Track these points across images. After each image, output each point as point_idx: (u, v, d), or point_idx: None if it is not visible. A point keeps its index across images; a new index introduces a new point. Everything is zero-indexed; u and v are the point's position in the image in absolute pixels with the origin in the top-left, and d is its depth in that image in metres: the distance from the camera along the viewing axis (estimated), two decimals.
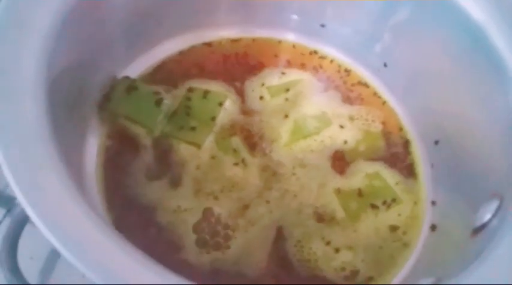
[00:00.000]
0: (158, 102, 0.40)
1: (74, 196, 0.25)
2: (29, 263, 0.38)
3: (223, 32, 0.46)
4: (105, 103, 0.39)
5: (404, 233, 0.39)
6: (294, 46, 0.47)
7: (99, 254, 0.23)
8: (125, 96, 0.40)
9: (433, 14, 0.39)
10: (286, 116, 0.43)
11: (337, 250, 0.37)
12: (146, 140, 0.39)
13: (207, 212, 0.37)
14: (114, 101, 0.39)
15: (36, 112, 0.27)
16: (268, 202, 0.39)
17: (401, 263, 0.38)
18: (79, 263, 0.23)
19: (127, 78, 0.41)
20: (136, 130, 0.40)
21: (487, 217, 0.32)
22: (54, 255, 0.39)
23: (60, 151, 0.27)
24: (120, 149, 0.39)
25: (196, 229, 0.37)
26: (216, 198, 0.38)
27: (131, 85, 0.40)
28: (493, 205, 0.32)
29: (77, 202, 0.25)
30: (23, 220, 0.33)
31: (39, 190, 0.24)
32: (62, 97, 0.32)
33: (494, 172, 0.34)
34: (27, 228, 0.33)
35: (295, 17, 0.46)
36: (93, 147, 0.38)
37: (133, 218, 0.37)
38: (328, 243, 0.38)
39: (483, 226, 0.32)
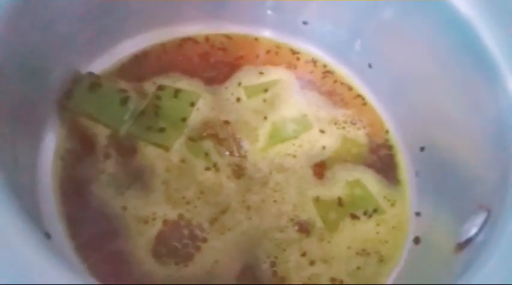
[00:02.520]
0: (124, 101, 0.37)
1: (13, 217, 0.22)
2: None
3: (197, 28, 0.43)
4: (66, 100, 0.36)
5: (386, 245, 0.37)
6: (273, 44, 0.44)
7: None
8: (88, 94, 0.37)
9: (421, 11, 0.36)
10: (265, 118, 0.40)
11: (312, 262, 0.35)
12: (110, 141, 0.37)
13: (181, 218, 0.35)
14: (76, 98, 0.36)
15: None
16: (246, 207, 0.36)
17: (381, 278, 0.36)
18: None
19: (91, 73, 0.38)
20: (99, 131, 0.37)
21: (473, 230, 0.30)
22: None
23: (2, 156, 0.24)
24: (81, 152, 0.36)
25: (170, 236, 0.34)
26: (189, 203, 0.35)
27: (95, 82, 0.37)
28: (480, 218, 0.30)
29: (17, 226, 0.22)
30: None
31: None
32: (9, 91, 0.29)
33: (483, 183, 0.32)
34: None
35: (274, 13, 0.43)
36: (49, 150, 0.35)
37: (94, 229, 0.34)
38: (303, 254, 0.35)
39: (469, 240, 0.30)
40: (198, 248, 0.34)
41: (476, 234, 0.30)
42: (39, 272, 0.21)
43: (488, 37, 0.32)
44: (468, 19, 0.33)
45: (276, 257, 0.35)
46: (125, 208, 0.34)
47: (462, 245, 0.30)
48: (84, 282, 0.21)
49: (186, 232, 0.34)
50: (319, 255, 0.35)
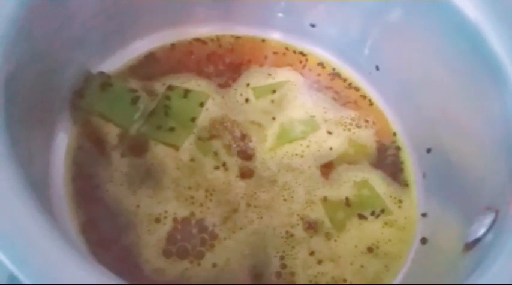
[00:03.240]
0: (135, 100, 0.38)
1: (30, 210, 0.22)
2: None
3: (206, 29, 0.43)
4: (78, 100, 0.37)
5: (393, 246, 0.37)
6: (281, 46, 0.45)
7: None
8: (99, 93, 0.37)
9: (428, 14, 0.36)
10: (273, 118, 0.41)
11: (319, 261, 0.35)
12: (121, 140, 0.37)
13: (192, 217, 0.35)
14: (88, 98, 0.37)
15: None
16: (256, 206, 0.36)
17: (388, 278, 0.36)
18: None
19: (102, 73, 0.38)
20: (110, 130, 0.37)
21: (481, 231, 0.30)
22: None
23: (19, 155, 0.25)
24: (92, 151, 0.36)
25: (182, 234, 0.34)
26: (200, 202, 0.36)
27: (106, 82, 0.38)
28: (488, 219, 0.30)
29: (33, 218, 0.22)
30: None
31: None
32: (24, 92, 0.29)
33: (490, 184, 0.32)
34: None
35: (282, 15, 0.44)
36: (62, 149, 0.35)
37: (107, 227, 0.34)
38: (312, 253, 0.35)
39: (477, 241, 0.30)
40: (210, 247, 0.34)
41: (484, 234, 0.30)
42: (62, 270, 0.21)
43: (495, 40, 0.33)
44: (475, 22, 0.34)
45: (283, 252, 0.35)
46: (138, 206, 0.35)
47: (470, 246, 0.31)
48: (103, 279, 0.21)
49: (197, 230, 0.35)
50: (326, 254, 0.36)
